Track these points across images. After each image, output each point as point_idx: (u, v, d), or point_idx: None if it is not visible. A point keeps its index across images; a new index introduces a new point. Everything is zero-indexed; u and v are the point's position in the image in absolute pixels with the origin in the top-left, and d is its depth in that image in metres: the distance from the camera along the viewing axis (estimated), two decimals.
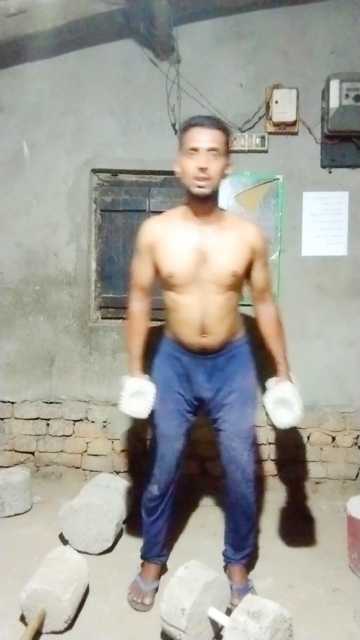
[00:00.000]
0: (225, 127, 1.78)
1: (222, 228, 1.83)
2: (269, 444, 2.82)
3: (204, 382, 1.94)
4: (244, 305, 2.72)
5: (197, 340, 1.88)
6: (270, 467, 2.82)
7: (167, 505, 1.98)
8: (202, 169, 1.70)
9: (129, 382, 1.90)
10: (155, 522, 2.00)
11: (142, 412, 1.85)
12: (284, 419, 1.84)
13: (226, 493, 1.99)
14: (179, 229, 1.84)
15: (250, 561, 2.04)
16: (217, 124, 1.75)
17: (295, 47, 2.72)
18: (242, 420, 1.94)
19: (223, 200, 2.78)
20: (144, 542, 2.06)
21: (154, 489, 1.96)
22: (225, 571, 2.03)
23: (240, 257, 1.84)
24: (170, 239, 1.84)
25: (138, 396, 1.86)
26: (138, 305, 1.97)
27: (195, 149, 1.72)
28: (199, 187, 1.73)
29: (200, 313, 1.84)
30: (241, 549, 2.00)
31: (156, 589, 1.96)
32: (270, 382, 1.97)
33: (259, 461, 2.82)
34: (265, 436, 2.81)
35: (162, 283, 1.91)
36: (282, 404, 1.85)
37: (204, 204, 1.79)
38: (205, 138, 1.71)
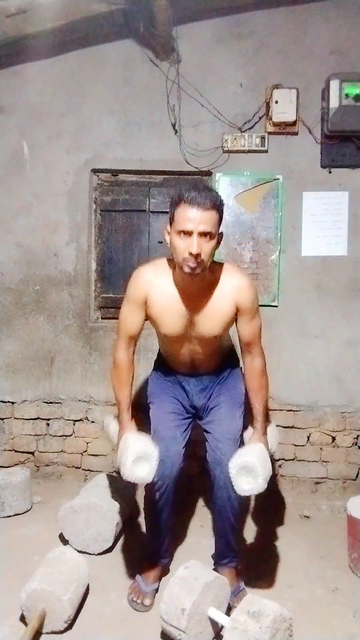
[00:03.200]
0: (219, 204, 1.70)
1: (210, 291, 1.83)
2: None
3: (198, 392, 2.03)
4: None
5: (189, 371, 2.02)
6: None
7: (169, 508, 1.98)
8: (195, 255, 1.65)
9: (130, 443, 1.78)
10: (157, 524, 1.99)
11: (148, 478, 1.77)
12: (245, 486, 1.75)
13: (212, 498, 1.97)
14: (168, 290, 1.84)
15: (239, 563, 2.03)
16: (211, 202, 1.66)
17: (295, 47, 2.72)
18: (229, 423, 1.94)
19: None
20: (147, 545, 2.05)
21: (154, 492, 1.95)
22: None
23: (225, 320, 1.86)
24: (161, 299, 1.84)
25: (142, 460, 1.75)
26: (125, 355, 1.95)
27: (188, 233, 1.66)
28: (190, 269, 1.69)
29: (190, 357, 1.97)
30: (228, 554, 1.99)
31: (156, 590, 1.96)
32: (246, 434, 1.96)
33: None
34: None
35: (156, 332, 1.99)
36: (247, 471, 1.75)
37: (193, 278, 1.75)
38: (198, 221, 1.64)
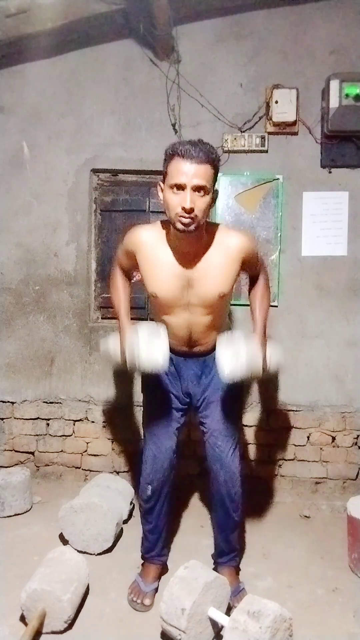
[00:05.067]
0: (214, 158, 1.65)
1: (207, 250, 1.76)
2: (268, 444, 2.82)
3: (193, 378, 1.96)
4: (236, 304, 2.75)
5: (186, 349, 1.92)
6: (269, 468, 2.82)
7: (164, 506, 1.98)
8: (188, 210, 1.60)
9: (137, 329, 1.73)
10: (153, 522, 1.99)
11: (160, 360, 1.68)
12: (227, 367, 1.67)
13: (211, 495, 1.98)
14: (163, 250, 1.78)
15: (239, 562, 2.04)
16: (206, 155, 1.61)
17: (295, 47, 2.72)
18: (227, 419, 1.93)
19: (223, 201, 2.79)
20: (144, 543, 2.05)
21: (147, 490, 1.95)
22: None
23: (228, 277, 1.78)
24: (152, 256, 1.78)
25: (153, 341, 1.67)
26: (121, 276, 2.00)
27: (180, 186, 1.60)
28: (183, 225, 1.63)
29: (187, 330, 1.87)
30: (228, 551, 2.00)
31: (156, 590, 1.96)
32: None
33: (259, 461, 2.82)
34: (265, 437, 2.81)
35: (148, 296, 1.94)
36: (234, 354, 1.67)
37: (189, 236, 1.68)
38: (191, 174, 1.58)
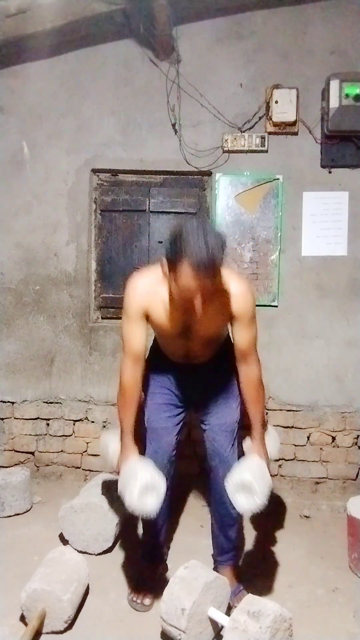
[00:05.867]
0: (223, 256, 1.56)
1: (205, 301, 1.64)
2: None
3: (192, 384, 1.98)
4: None
5: (184, 362, 1.95)
6: (269, 467, 2.81)
7: (164, 504, 1.98)
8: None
9: (138, 472, 1.69)
10: (153, 522, 1.99)
11: (154, 511, 1.68)
12: (245, 505, 1.70)
13: (210, 492, 1.98)
14: (165, 302, 1.74)
15: (239, 561, 2.04)
16: (217, 264, 1.52)
17: (295, 47, 2.72)
18: (225, 414, 1.94)
19: (223, 201, 2.79)
20: (144, 543, 2.05)
21: None
22: None
23: (220, 326, 1.84)
24: (160, 308, 1.76)
25: (149, 491, 1.67)
26: (132, 376, 1.81)
27: (188, 300, 1.57)
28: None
29: (185, 350, 1.90)
30: (228, 550, 2.00)
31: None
32: (245, 445, 1.93)
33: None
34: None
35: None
36: (244, 489, 1.70)
37: None
38: (202, 288, 1.53)
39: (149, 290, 1.76)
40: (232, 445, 1.94)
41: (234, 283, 1.77)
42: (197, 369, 1.96)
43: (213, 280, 1.55)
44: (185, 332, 1.82)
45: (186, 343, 1.88)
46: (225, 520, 1.96)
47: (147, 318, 1.80)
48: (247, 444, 1.93)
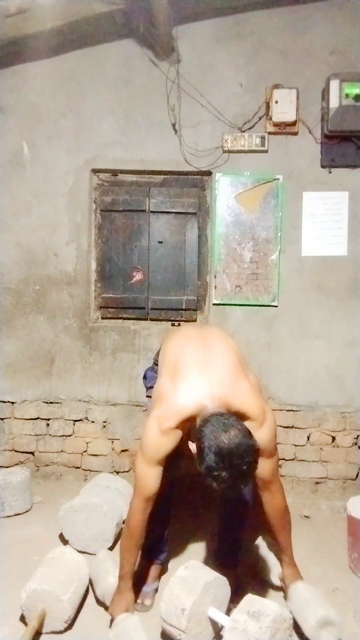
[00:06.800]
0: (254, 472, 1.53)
1: None
2: None
3: None
4: (247, 305, 2.75)
5: None
6: None
7: (166, 505, 1.98)
8: None
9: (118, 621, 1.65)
10: (155, 520, 1.99)
11: None
12: (330, 637, 1.64)
13: (220, 497, 1.97)
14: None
15: (240, 562, 2.03)
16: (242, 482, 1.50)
17: (295, 47, 2.72)
18: None
19: (223, 201, 2.80)
20: (145, 542, 2.05)
21: None
22: None
23: None
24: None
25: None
26: (141, 517, 1.73)
27: None
28: None
29: None
30: (231, 550, 2.00)
31: (156, 590, 1.96)
32: (277, 574, 1.92)
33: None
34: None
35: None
36: (326, 625, 1.65)
37: None
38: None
39: (174, 434, 1.66)
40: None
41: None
42: None
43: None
44: None
45: None
46: (231, 521, 1.97)
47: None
48: (277, 568, 1.93)
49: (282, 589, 1.92)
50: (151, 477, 1.68)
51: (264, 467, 1.70)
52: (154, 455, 1.66)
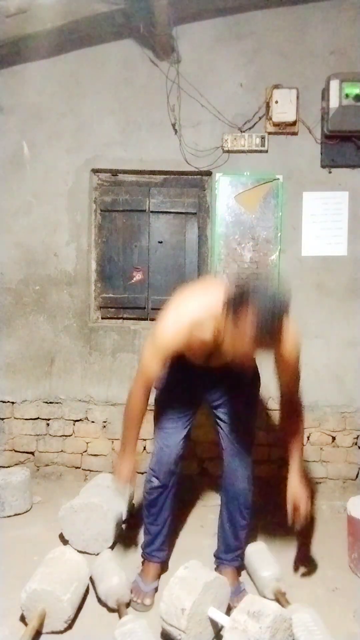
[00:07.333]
0: (280, 331, 1.54)
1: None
2: (269, 444, 2.81)
3: (210, 385, 1.96)
4: None
5: (202, 365, 1.90)
6: (270, 468, 2.81)
7: (167, 499, 1.98)
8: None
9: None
10: (155, 514, 1.99)
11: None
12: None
13: (224, 488, 2.00)
14: (207, 334, 1.70)
15: (241, 563, 2.04)
16: (274, 333, 1.50)
17: (295, 47, 2.72)
18: (246, 415, 1.97)
19: (223, 201, 2.80)
20: (145, 539, 2.05)
21: (153, 480, 1.97)
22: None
23: (250, 356, 1.73)
24: (197, 341, 1.72)
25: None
26: (142, 395, 1.81)
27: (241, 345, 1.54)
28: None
29: (205, 369, 1.89)
30: (233, 549, 2.00)
31: (156, 589, 1.96)
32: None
33: (259, 461, 2.82)
34: (265, 437, 2.81)
35: None
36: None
37: None
38: (257, 342, 1.51)
39: (196, 326, 1.68)
40: (250, 445, 1.99)
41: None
42: (215, 376, 1.93)
43: (272, 338, 1.53)
44: (211, 359, 1.81)
45: (207, 364, 1.86)
46: (237, 520, 1.98)
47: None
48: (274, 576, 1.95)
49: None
50: (154, 365, 1.75)
51: (287, 374, 1.80)
52: (165, 347, 1.71)
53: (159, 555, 2.03)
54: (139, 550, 2.09)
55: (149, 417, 1.96)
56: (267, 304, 1.47)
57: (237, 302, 1.51)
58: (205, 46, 2.74)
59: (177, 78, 2.73)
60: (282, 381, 1.84)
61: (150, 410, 1.95)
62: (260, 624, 1.50)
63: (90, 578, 1.94)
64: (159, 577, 2.01)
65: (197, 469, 2.77)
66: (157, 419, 2.00)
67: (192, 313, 1.70)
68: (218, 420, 2.00)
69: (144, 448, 2.82)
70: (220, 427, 2.00)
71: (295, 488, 1.92)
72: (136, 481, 1.89)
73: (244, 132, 2.74)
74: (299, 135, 2.74)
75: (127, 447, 1.87)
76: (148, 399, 1.86)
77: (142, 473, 2.82)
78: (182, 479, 2.04)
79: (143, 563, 2.04)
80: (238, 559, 2.02)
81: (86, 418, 2.89)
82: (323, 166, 2.75)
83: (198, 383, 1.96)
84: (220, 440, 2.00)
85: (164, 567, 2.06)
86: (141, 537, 2.13)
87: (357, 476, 2.81)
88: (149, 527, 2.02)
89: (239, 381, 1.93)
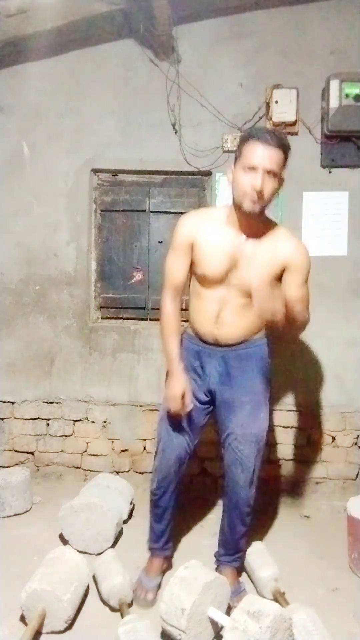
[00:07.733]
0: (287, 145, 1.71)
1: (260, 240, 1.82)
2: (269, 444, 2.81)
3: (216, 373, 1.93)
4: None
5: (211, 331, 1.90)
6: (270, 468, 2.81)
7: (171, 498, 1.99)
8: (258, 190, 1.68)
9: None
10: (160, 513, 2.01)
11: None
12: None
13: (225, 494, 1.99)
14: (217, 230, 1.84)
15: (242, 564, 2.05)
16: (280, 142, 1.68)
17: (295, 47, 2.72)
18: (253, 424, 1.91)
19: (223, 201, 2.79)
20: (150, 534, 2.07)
21: (156, 480, 1.98)
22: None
23: (268, 272, 1.81)
24: (208, 239, 1.83)
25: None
26: (172, 305, 1.93)
27: (253, 167, 1.67)
28: (251, 203, 1.71)
29: (219, 306, 1.88)
30: (233, 551, 2.01)
31: (159, 585, 1.96)
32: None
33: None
34: (265, 437, 2.81)
35: (192, 273, 1.94)
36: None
37: (250, 217, 1.77)
38: (266, 158, 1.66)
39: (198, 223, 1.86)
40: (257, 455, 1.93)
41: (289, 235, 1.90)
42: (224, 362, 1.92)
43: (278, 154, 1.68)
44: (229, 272, 1.82)
45: (223, 295, 1.85)
46: (238, 528, 1.97)
47: (193, 255, 1.86)
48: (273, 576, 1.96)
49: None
50: (178, 267, 1.89)
51: (291, 293, 1.86)
52: (180, 239, 1.87)
53: (163, 551, 2.04)
54: (139, 550, 2.10)
55: (151, 416, 1.95)
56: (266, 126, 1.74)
57: (241, 139, 1.74)
58: (205, 46, 2.74)
59: (177, 78, 2.73)
60: (289, 297, 1.84)
61: (156, 409, 1.95)
62: (260, 624, 1.50)
63: (93, 577, 1.94)
64: (163, 573, 2.03)
65: (197, 469, 2.77)
66: (163, 417, 1.98)
67: (200, 211, 1.95)
68: (222, 427, 1.97)
69: (144, 448, 2.83)
70: (225, 434, 1.95)
71: None
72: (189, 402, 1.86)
73: (244, 132, 2.74)
74: (299, 135, 2.73)
75: (173, 364, 1.88)
76: (180, 307, 1.95)
77: (142, 473, 2.83)
78: (182, 479, 2.04)
79: (149, 557, 2.06)
80: (238, 559, 2.02)
81: (86, 418, 2.89)
82: (323, 166, 2.75)
83: (205, 368, 1.93)
84: (225, 447, 1.95)
85: (168, 563, 2.07)
86: (141, 537, 2.13)
87: (357, 476, 2.81)
88: (154, 524, 2.05)
89: (246, 376, 1.91)
